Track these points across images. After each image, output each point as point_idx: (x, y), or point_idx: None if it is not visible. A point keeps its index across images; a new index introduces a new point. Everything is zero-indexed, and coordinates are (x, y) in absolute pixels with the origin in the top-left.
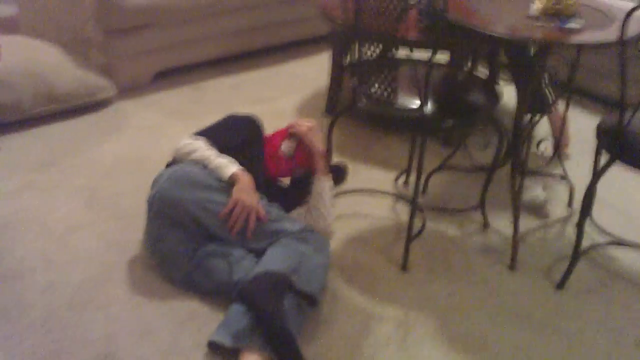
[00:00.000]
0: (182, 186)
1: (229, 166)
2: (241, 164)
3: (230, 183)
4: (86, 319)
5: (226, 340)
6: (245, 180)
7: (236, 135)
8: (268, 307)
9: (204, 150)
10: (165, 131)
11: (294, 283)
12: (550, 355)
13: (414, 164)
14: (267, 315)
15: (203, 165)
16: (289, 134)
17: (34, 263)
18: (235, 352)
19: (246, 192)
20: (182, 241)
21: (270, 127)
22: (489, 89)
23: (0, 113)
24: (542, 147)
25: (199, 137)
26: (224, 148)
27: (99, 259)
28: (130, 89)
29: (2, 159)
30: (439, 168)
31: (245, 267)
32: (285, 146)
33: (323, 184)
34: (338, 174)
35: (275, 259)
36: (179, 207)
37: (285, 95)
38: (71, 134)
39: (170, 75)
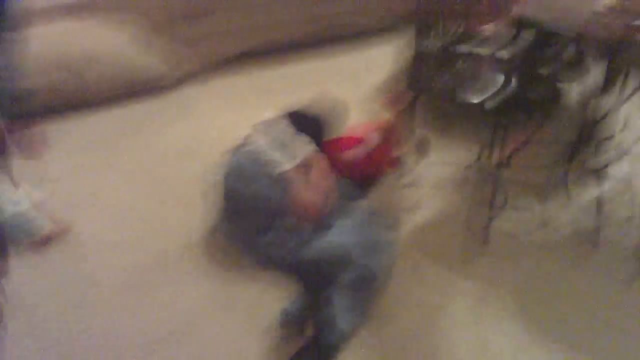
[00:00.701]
0: (236, 179)
1: (283, 164)
2: None
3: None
4: (149, 299)
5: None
6: (298, 180)
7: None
8: (317, 290)
9: (263, 144)
10: (228, 118)
11: (355, 258)
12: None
13: (497, 140)
14: (313, 299)
15: (258, 157)
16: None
17: (96, 243)
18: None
19: (305, 192)
20: (242, 229)
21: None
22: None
23: (65, 96)
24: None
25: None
26: None
27: (155, 243)
28: (195, 75)
29: (63, 141)
30: (522, 145)
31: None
32: (352, 153)
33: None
34: (421, 146)
35: (341, 234)
36: (233, 198)
37: (360, 78)
38: (133, 118)
39: (238, 62)
